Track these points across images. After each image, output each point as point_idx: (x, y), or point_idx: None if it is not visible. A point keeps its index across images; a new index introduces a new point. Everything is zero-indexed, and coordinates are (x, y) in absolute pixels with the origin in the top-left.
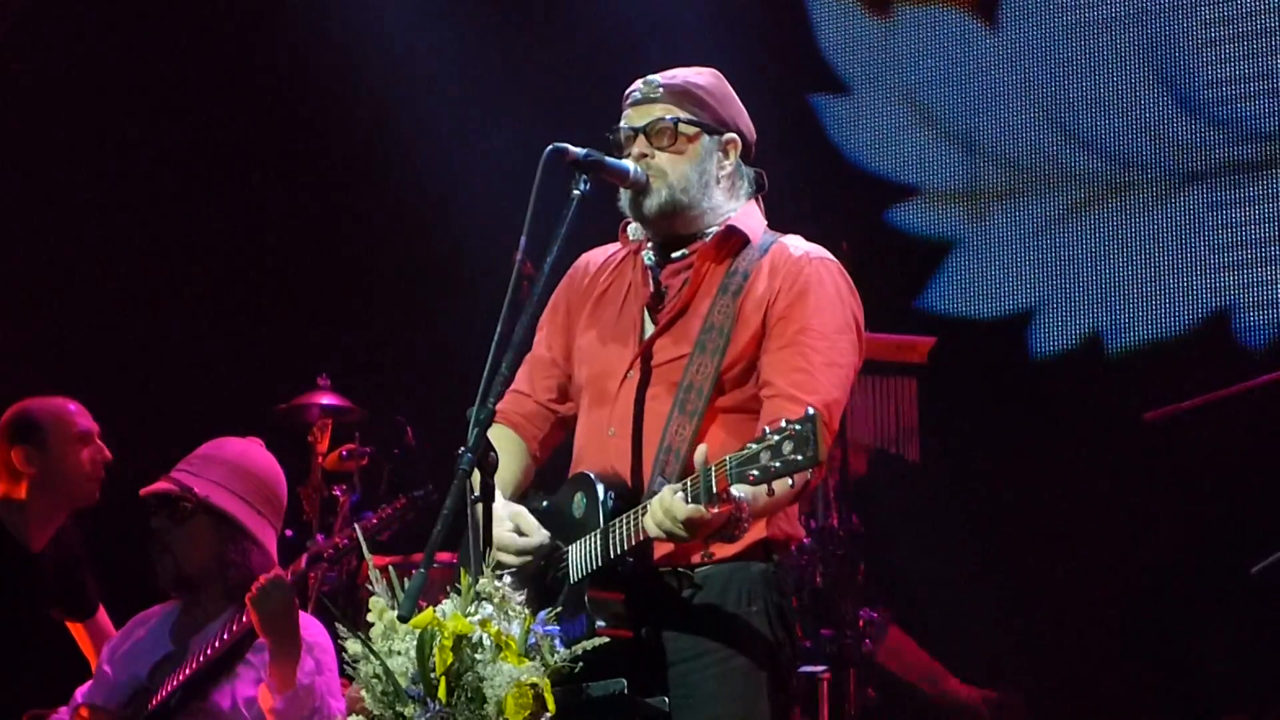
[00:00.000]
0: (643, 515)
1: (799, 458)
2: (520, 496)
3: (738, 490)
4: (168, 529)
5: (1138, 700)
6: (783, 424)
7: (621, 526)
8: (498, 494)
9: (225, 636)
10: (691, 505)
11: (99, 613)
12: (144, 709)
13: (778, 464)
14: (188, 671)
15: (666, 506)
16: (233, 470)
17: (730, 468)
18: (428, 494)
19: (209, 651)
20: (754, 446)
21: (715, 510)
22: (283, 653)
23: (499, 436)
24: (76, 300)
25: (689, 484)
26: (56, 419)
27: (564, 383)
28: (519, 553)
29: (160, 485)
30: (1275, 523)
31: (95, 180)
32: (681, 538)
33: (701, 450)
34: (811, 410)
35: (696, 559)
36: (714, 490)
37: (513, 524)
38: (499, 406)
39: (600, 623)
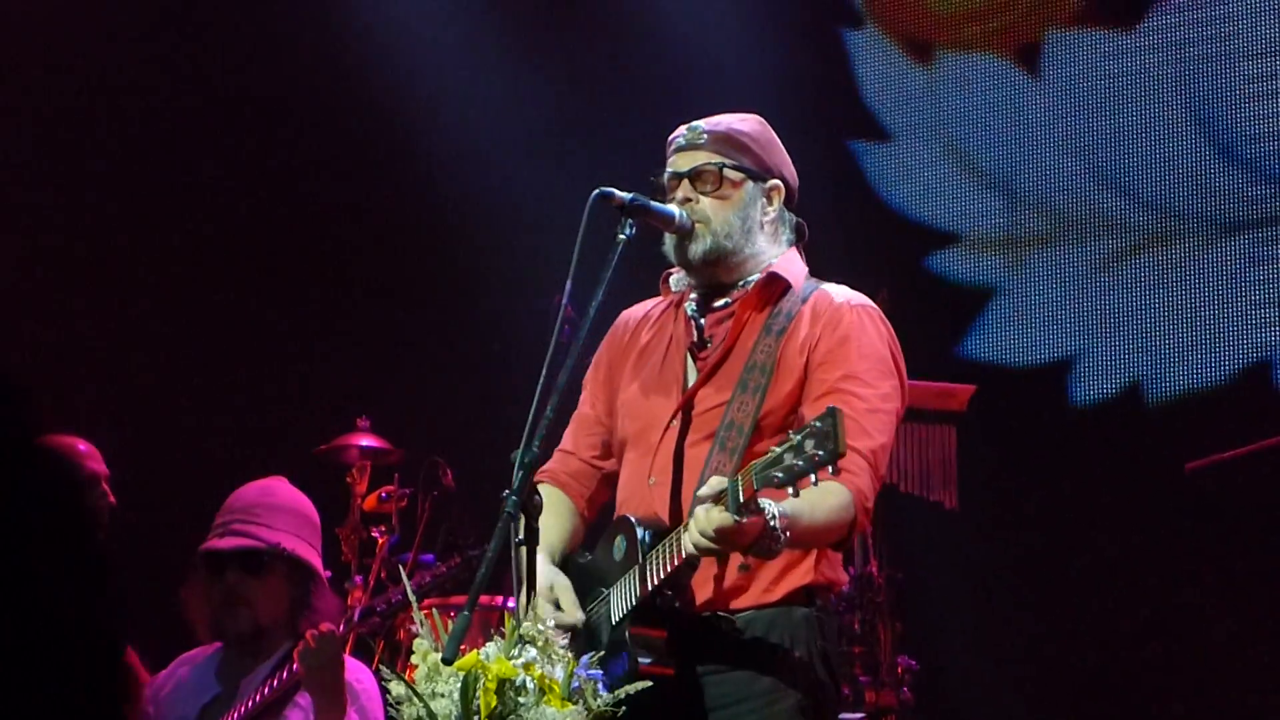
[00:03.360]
0: (681, 536)
1: (820, 453)
2: (567, 555)
3: (774, 505)
4: (244, 583)
5: None
6: (805, 424)
7: (658, 555)
8: (543, 558)
9: (276, 683)
10: (722, 514)
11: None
12: None
13: (800, 463)
14: (238, 715)
15: (700, 519)
16: (293, 516)
17: (755, 473)
18: (483, 552)
19: (260, 696)
20: (776, 450)
21: (745, 520)
22: (328, 708)
23: (547, 496)
24: (115, 340)
25: (719, 496)
26: None
27: (607, 439)
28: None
29: (240, 541)
30: None
31: (133, 216)
32: (716, 551)
33: (716, 478)
34: (832, 407)
35: (738, 604)
36: (740, 498)
37: (552, 596)
38: (547, 467)
39: (644, 660)
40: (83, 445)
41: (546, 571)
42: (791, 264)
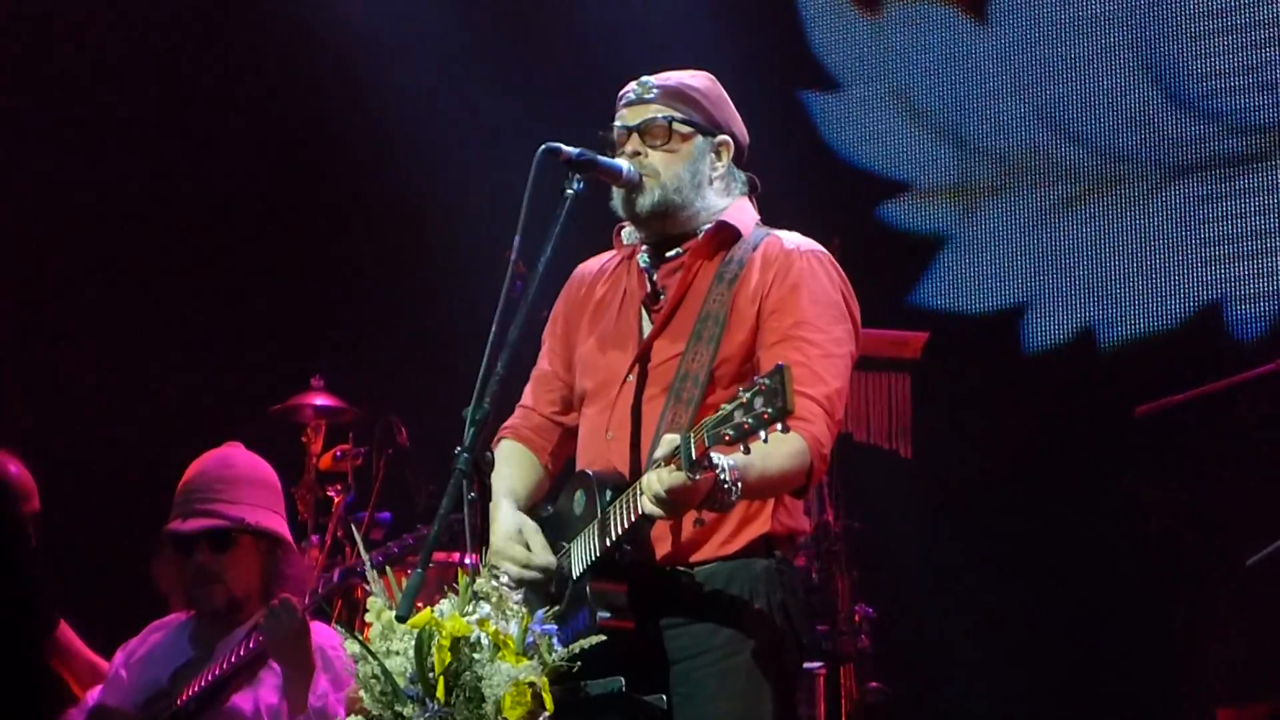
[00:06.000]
0: (639, 495)
1: (769, 410)
2: (531, 508)
3: (725, 458)
4: (214, 561)
5: (1134, 693)
6: (754, 381)
7: (616, 511)
8: (508, 503)
9: (251, 644)
10: (675, 474)
11: (60, 627)
12: (162, 712)
13: (750, 420)
14: (213, 675)
15: (653, 480)
16: (254, 486)
17: (707, 430)
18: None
19: (234, 657)
20: (727, 407)
21: (699, 478)
22: (295, 675)
23: (511, 451)
24: (69, 301)
25: (672, 455)
26: None
27: (566, 395)
28: (524, 566)
29: (205, 522)
30: (1270, 515)
31: (86, 182)
32: (674, 509)
33: (669, 436)
34: (780, 364)
35: (697, 557)
36: (694, 456)
37: (522, 539)
38: (509, 422)
39: (604, 614)
40: (13, 466)
41: (513, 516)
42: (741, 212)
